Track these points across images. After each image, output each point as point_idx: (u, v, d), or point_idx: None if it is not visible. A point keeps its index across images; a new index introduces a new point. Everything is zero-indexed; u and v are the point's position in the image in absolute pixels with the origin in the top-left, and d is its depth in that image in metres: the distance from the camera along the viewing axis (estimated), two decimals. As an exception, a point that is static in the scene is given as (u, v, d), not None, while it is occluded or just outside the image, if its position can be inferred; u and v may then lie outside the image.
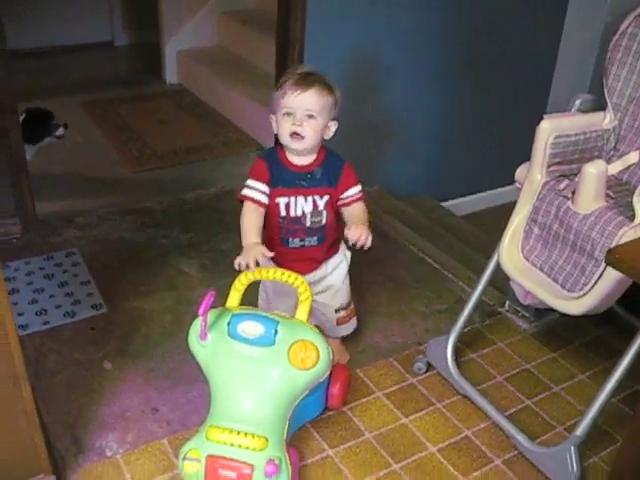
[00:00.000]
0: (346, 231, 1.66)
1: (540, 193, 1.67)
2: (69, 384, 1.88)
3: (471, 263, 2.50)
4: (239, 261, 1.62)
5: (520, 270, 1.69)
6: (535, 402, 1.90)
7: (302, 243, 1.78)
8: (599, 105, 1.80)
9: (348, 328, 1.96)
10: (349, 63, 2.85)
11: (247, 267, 1.60)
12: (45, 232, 2.57)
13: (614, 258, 1.16)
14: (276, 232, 1.77)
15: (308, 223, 1.76)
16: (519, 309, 2.21)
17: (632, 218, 1.51)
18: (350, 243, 1.67)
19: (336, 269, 1.84)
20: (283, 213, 1.74)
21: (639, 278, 1.11)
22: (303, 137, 1.66)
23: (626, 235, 1.48)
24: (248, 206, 1.72)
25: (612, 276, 1.50)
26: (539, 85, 2.72)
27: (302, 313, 1.61)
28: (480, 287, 1.88)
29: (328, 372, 1.62)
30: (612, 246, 1.48)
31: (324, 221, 1.76)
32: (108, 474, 1.63)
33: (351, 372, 1.91)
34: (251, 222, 1.71)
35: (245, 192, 1.73)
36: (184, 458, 1.49)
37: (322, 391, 1.76)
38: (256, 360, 1.55)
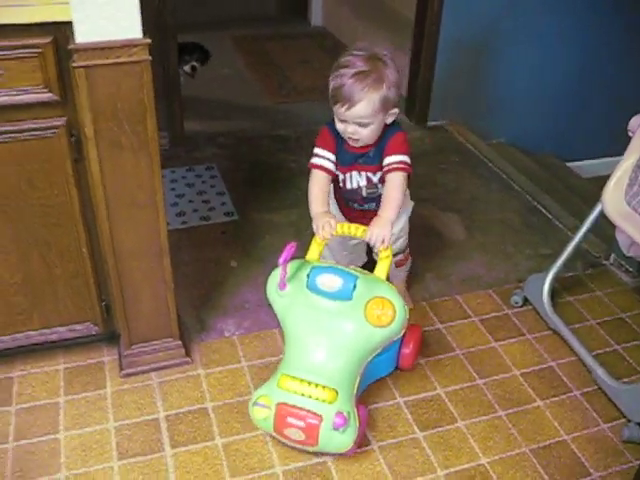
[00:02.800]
0: (371, 223, 1.65)
1: (652, 142, 1.72)
2: (199, 275, 2.16)
3: (583, 215, 2.54)
4: (315, 229, 1.67)
5: (622, 214, 1.75)
6: (624, 348, 1.97)
7: (362, 207, 1.83)
8: None
9: (405, 268, 2.05)
10: (486, 16, 2.91)
11: (321, 232, 1.65)
12: (189, 147, 2.87)
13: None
14: (339, 194, 1.85)
15: (364, 194, 1.80)
16: (623, 263, 2.25)
17: None
18: (368, 240, 1.67)
19: (397, 220, 1.78)
20: (340, 185, 1.80)
21: None
22: (359, 139, 1.68)
23: None
24: (317, 174, 1.75)
25: None
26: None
27: (381, 270, 1.63)
28: (584, 228, 1.95)
29: (403, 331, 1.63)
30: None
31: (380, 191, 1.77)
32: (224, 350, 1.90)
33: (423, 332, 1.93)
34: (319, 190, 1.73)
35: (314, 160, 1.75)
36: (255, 404, 1.55)
37: (394, 350, 1.76)
38: (332, 313, 1.58)
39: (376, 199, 1.79)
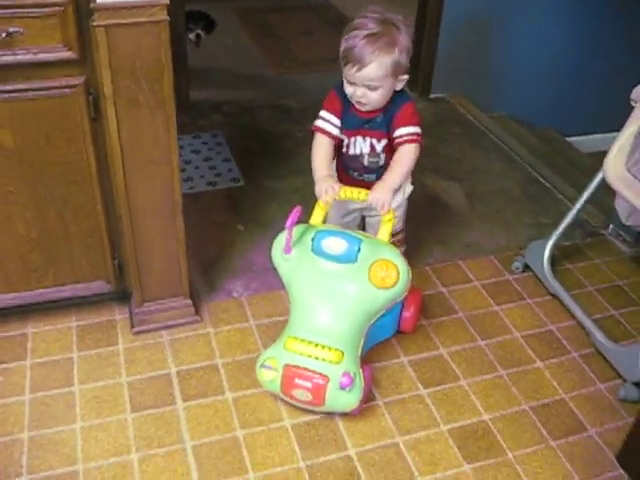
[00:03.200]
0: (373, 190, 1.67)
1: (654, 111, 1.76)
2: (207, 238, 2.20)
3: (582, 187, 2.59)
4: (317, 193, 1.69)
5: (623, 181, 1.79)
6: (621, 313, 2.03)
7: (361, 178, 1.81)
8: None
9: None
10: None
11: (324, 196, 1.67)
12: (195, 115, 2.90)
13: None
14: (340, 160, 1.83)
15: (366, 162, 1.78)
16: (621, 233, 2.30)
17: None
18: (369, 204, 1.69)
19: (395, 193, 1.78)
20: (343, 149, 1.78)
21: None
22: (366, 103, 1.67)
23: None
24: (320, 138, 1.74)
25: None
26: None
27: (384, 233, 1.66)
28: (584, 196, 1.99)
29: (406, 293, 1.66)
30: None
31: (382, 162, 1.77)
32: (233, 310, 1.95)
33: (423, 296, 1.96)
34: (322, 154, 1.74)
35: (319, 123, 1.74)
36: (262, 366, 1.58)
37: (396, 313, 1.79)
38: (337, 276, 1.60)
39: (377, 170, 1.78)
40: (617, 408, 1.74)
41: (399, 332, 1.86)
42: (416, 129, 1.71)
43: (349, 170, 1.82)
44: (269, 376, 1.57)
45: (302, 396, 1.55)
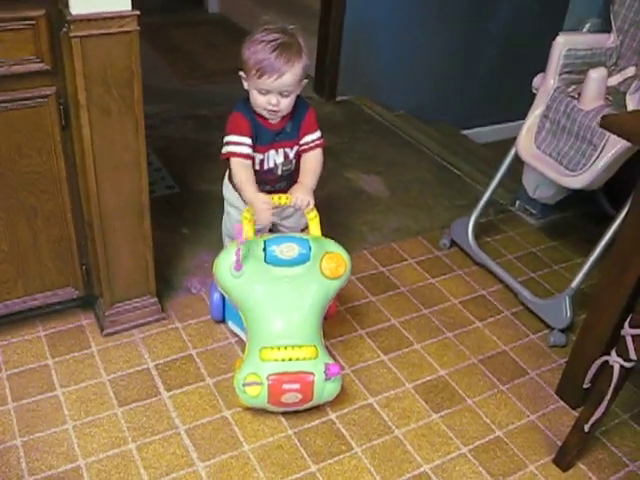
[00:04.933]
0: (291, 191, 1.75)
1: (552, 95, 2.04)
2: (156, 242, 2.24)
3: (489, 173, 2.89)
4: (257, 213, 1.70)
5: (534, 156, 2.07)
6: (539, 275, 2.32)
7: (274, 188, 1.84)
8: (605, 28, 2.15)
9: None
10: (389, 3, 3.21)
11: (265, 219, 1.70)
12: (117, 129, 2.94)
13: (606, 122, 1.53)
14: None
15: (279, 172, 1.84)
16: (527, 207, 2.60)
17: (626, 114, 1.89)
18: (293, 205, 1.75)
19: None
20: (257, 167, 1.80)
21: (623, 134, 1.49)
22: (279, 110, 1.72)
23: (622, 126, 1.86)
24: (238, 162, 1.75)
25: (605, 158, 1.89)
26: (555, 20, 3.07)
27: (316, 229, 1.75)
28: (499, 175, 2.26)
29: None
30: (606, 134, 1.87)
31: (292, 168, 1.85)
32: (195, 305, 2.04)
33: None
34: (245, 175, 1.75)
35: (232, 149, 1.75)
36: (244, 385, 1.58)
37: None
38: (294, 278, 1.65)
39: (288, 177, 1.86)
40: (549, 353, 2.00)
41: (325, 318, 1.90)
42: (319, 133, 1.83)
43: (262, 184, 1.81)
44: (254, 391, 1.58)
45: (291, 399, 1.61)
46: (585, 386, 1.64)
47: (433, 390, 1.84)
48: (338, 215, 2.46)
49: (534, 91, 2.15)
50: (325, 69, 3.29)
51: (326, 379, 1.61)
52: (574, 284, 2.00)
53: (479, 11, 3.47)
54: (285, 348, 1.60)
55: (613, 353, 1.51)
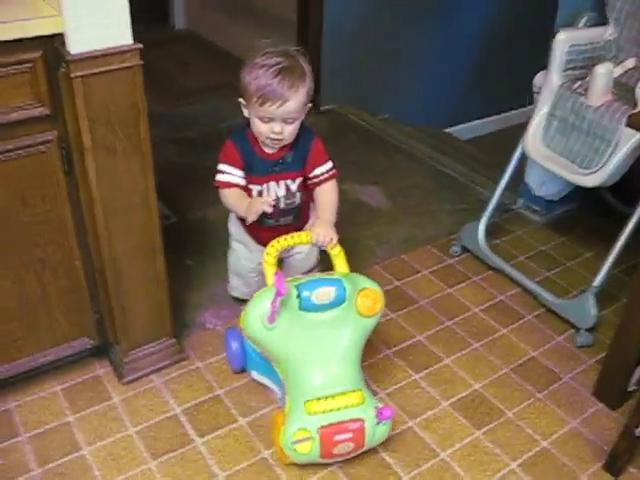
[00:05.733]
0: (311, 227, 1.66)
1: (558, 93, 2.01)
2: (159, 278, 2.19)
3: (482, 172, 2.86)
4: (249, 215, 1.62)
5: (543, 156, 2.04)
6: (553, 274, 2.29)
7: (278, 223, 1.75)
8: (601, 21, 2.13)
9: None
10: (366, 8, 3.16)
11: (256, 213, 1.61)
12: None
13: (634, 121, 1.51)
14: None
15: (282, 205, 1.73)
16: (530, 204, 2.57)
17: (634, 107, 1.86)
18: (314, 243, 1.65)
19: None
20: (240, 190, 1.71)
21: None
22: (283, 138, 1.63)
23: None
24: (229, 191, 1.69)
25: (620, 153, 1.86)
26: (542, 22, 3.07)
27: (343, 266, 1.64)
28: (506, 177, 2.22)
29: None
30: (619, 129, 1.84)
31: (298, 202, 1.74)
32: (213, 340, 1.96)
33: None
34: (238, 196, 1.69)
35: (223, 178, 1.69)
36: (293, 443, 1.49)
37: None
38: (331, 322, 1.56)
39: (293, 211, 1.76)
40: (578, 354, 1.97)
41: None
42: (330, 164, 1.73)
43: (264, 220, 1.70)
44: (305, 448, 1.51)
45: (344, 449, 1.53)
46: (630, 389, 1.61)
47: (471, 406, 1.78)
48: (342, 231, 2.36)
49: (535, 90, 2.12)
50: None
51: (378, 423, 1.53)
52: (597, 282, 1.97)
53: (456, 9, 3.44)
54: (330, 398, 1.51)
55: (661, 353, 1.48)
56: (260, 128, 1.62)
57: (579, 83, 2.00)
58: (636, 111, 1.80)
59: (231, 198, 1.70)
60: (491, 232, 2.44)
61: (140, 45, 1.43)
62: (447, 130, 3.75)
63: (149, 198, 1.61)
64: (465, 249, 2.34)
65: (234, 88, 1.69)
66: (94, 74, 1.39)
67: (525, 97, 2.32)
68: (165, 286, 1.76)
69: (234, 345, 1.79)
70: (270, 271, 1.59)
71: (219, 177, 1.70)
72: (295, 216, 1.76)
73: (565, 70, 2.00)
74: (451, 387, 1.84)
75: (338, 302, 1.55)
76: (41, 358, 1.72)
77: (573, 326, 2.03)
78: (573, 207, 2.59)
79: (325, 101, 3.30)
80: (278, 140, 1.63)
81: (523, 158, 2.23)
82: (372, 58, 3.30)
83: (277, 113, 1.58)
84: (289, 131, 1.62)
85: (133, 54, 1.43)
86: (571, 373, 1.90)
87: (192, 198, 2.59)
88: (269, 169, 1.69)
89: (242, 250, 1.85)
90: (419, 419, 1.74)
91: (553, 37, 1.98)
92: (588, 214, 2.57)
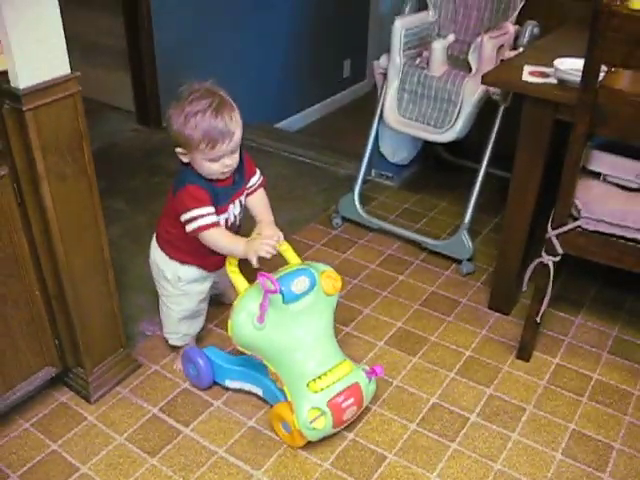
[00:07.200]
0: (260, 231, 1.75)
1: (403, 70, 2.39)
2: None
3: (330, 155, 3.20)
4: (254, 257, 1.67)
5: (402, 124, 2.41)
6: (422, 224, 2.69)
7: None
8: (422, 6, 2.54)
9: None
10: (188, 21, 3.34)
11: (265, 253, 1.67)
12: None
13: (486, 77, 1.91)
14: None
15: (238, 222, 1.84)
16: (383, 173, 2.95)
17: (469, 71, 2.30)
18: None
19: None
20: (223, 227, 1.77)
21: (500, 84, 1.87)
22: (233, 167, 1.70)
23: (469, 82, 2.27)
24: (214, 230, 1.71)
25: (465, 112, 2.29)
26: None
27: (294, 257, 1.81)
28: (369, 147, 2.57)
29: None
30: (461, 91, 2.26)
31: (242, 214, 1.85)
32: (158, 345, 2.06)
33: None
34: (228, 237, 1.73)
35: (205, 221, 1.68)
36: (310, 422, 1.63)
37: None
38: (310, 306, 1.69)
39: (239, 226, 1.86)
40: (466, 281, 2.38)
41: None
42: (259, 172, 1.85)
43: None
44: (321, 424, 1.65)
45: (350, 414, 1.71)
46: (524, 289, 2.01)
47: (400, 340, 2.10)
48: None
49: (381, 70, 2.48)
50: (145, 99, 3.33)
51: (369, 382, 1.73)
52: (466, 220, 2.38)
53: (264, 8, 3.72)
54: (328, 373, 1.67)
55: (544, 254, 1.89)
56: (212, 169, 1.66)
57: (419, 60, 2.40)
58: (473, 74, 2.23)
59: (222, 238, 1.72)
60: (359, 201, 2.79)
61: (78, 73, 1.53)
62: (278, 125, 4.05)
63: (97, 217, 1.69)
64: (345, 219, 2.65)
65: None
66: (44, 105, 1.47)
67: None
68: (117, 298, 1.85)
69: (201, 361, 1.86)
70: (238, 279, 1.73)
71: (199, 222, 1.68)
72: (236, 231, 1.83)
73: (404, 50, 2.39)
74: (379, 330, 2.14)
75: (311, 288, 1.69)
76: (12, 396, 1.72)
77: (455, 260, 2.44)
78: (418, 169, 3.02)
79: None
80: (229, 170, 1.70)
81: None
82: (202, 69, 3.48)
83: (227, 149, 1.63)
84: (236, 158, 1.69)
85: (73, 82, 1.52)
86: (466, 297, 2.29)
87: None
88: (230, 195, 1.76)
89: (196, 288, 1.88)
90: (365, 360, 2.02)
91: (392, 24, 2.35)
92: (431, 172, 3.03)
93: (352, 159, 2.97)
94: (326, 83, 4.42)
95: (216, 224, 1.72)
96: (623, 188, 1.80)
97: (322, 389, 1.65)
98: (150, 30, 3.17)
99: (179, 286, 1.86)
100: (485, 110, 2.31)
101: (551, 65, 1.83)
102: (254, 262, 1.68)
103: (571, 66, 1.77)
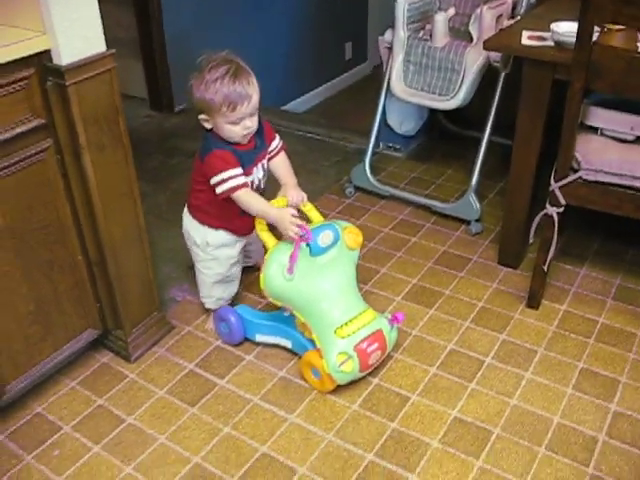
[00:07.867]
0: (283, 193, 1.90)
1: (408, 43, 2.51)
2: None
3: (338, 131, 3.33)
4: (290, 233, 1.77)
5: (409, 94, 2.53)
6: (431, 190, 2.82)
7: None
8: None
9: None
10: (196, 9, 3.45)
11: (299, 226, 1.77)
12: None
13: (487, 43, 2.03)
14: (236, 206, 1.85)
15: (262, 185, 1.96)
16: (391, 144, 3.07)
17: (470, 41, 2.42)
18: (291, 204, 1.87)
19: None
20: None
21: (501, 49, 1.99)
22: (253, 129, 1.82)
23: (471, 51, 2.38)
24: (245, 192, 1.81)
25: (468, 79, 2.40)
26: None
27: (318, 216, 1.95)
28: (377, 117, 2.69)
29: None
30: (464, 60, 2.38)
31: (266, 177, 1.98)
32: (189, 309, 2.20)
33: None
34: (258, 200, 1.83)
35: (233, 183, 1.79)
36: (340, 366, 1.75)
37: None
38: (332, 260, 1.83)
39: (264, 189, 1.97)
40: (475, 240, 2.51)
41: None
42: (278, 136, 1.99)
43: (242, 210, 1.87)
44: (349, 367, 1.77)
45: (375, 358, 1.83)
46: (531, 241, 2.14)
47: (417, 295, 2.23)
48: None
49: (386, 45, 2.60)
50: (158, 85, 3.45)
51: (392, 328, 1.86)
52: (473, 182, 2.50)
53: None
54: (352, 320, 1.80)
55: (548, 206, 2.01)
56: (233, 131, 1.79)
57: (422, 32, 2.52)
58: (474, 43, 2.35)
59: (253, 199, 1.83)
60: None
61: (113, 50, 1.65)
62: (283, 107, 4.17)
63: (133, 186, 1.82)
64: (357, 188, 2.78)
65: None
66: (84, 79, 1.59)
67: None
68: (151, 263, 1.98)
69: (232, 318, 1.99)
70: (268, 237, 1.86)
71: (231, 183, 1.79)
72: (262, 194, 1.93)
73: (408, 24, 2.50)
74: (396, 286, 2.27)
75: (335, 242, 1.83)
76: (59, 356, 1.86)
77: (464, 221, 2.57)
78: (424, 141, 3.14)
79: (179, 102, 3.55)
80: (250, 132, 1.83)
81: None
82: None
83: (247, 111, 1.76)
84: (256, 121, 1.82)
85: (109, 59, 1.64)
86: (477, 254, 2.42)
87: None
88: (253, 158, 1.88)
89: (225, 253, 1.99)
90: (385, 313, 2.14)
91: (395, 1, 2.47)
92: (437, 143, 3.16)
93: (360, 135, 3.10)
94: (328, 66, 4.54)
95: (247, 184, 1.83)
96: (619, 140, 1.92)
97: (348, 335, 1.78)
98: (160, 19, 3.29)
99: (208, 251, 1.99)
100: (486, 81, 2.43)
101: (548, 30, 1.95)
102: (290, 232, 1.77)
103: (567, 29, 1.90)
